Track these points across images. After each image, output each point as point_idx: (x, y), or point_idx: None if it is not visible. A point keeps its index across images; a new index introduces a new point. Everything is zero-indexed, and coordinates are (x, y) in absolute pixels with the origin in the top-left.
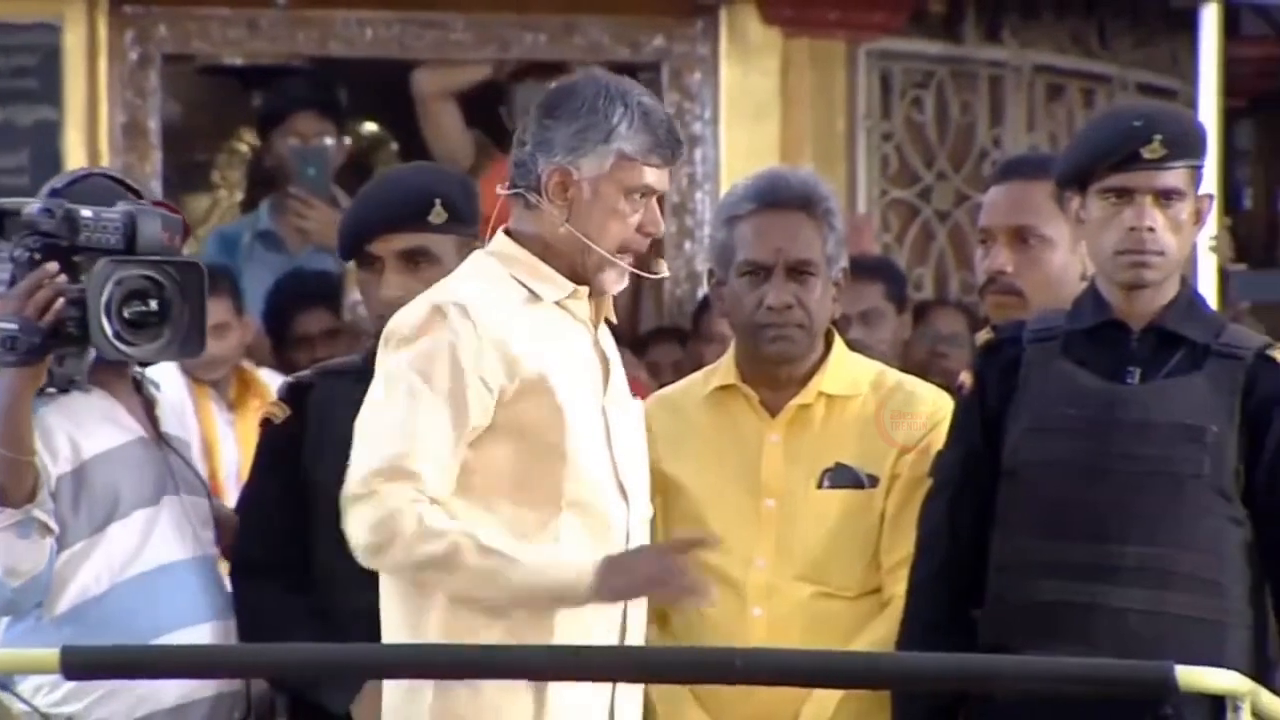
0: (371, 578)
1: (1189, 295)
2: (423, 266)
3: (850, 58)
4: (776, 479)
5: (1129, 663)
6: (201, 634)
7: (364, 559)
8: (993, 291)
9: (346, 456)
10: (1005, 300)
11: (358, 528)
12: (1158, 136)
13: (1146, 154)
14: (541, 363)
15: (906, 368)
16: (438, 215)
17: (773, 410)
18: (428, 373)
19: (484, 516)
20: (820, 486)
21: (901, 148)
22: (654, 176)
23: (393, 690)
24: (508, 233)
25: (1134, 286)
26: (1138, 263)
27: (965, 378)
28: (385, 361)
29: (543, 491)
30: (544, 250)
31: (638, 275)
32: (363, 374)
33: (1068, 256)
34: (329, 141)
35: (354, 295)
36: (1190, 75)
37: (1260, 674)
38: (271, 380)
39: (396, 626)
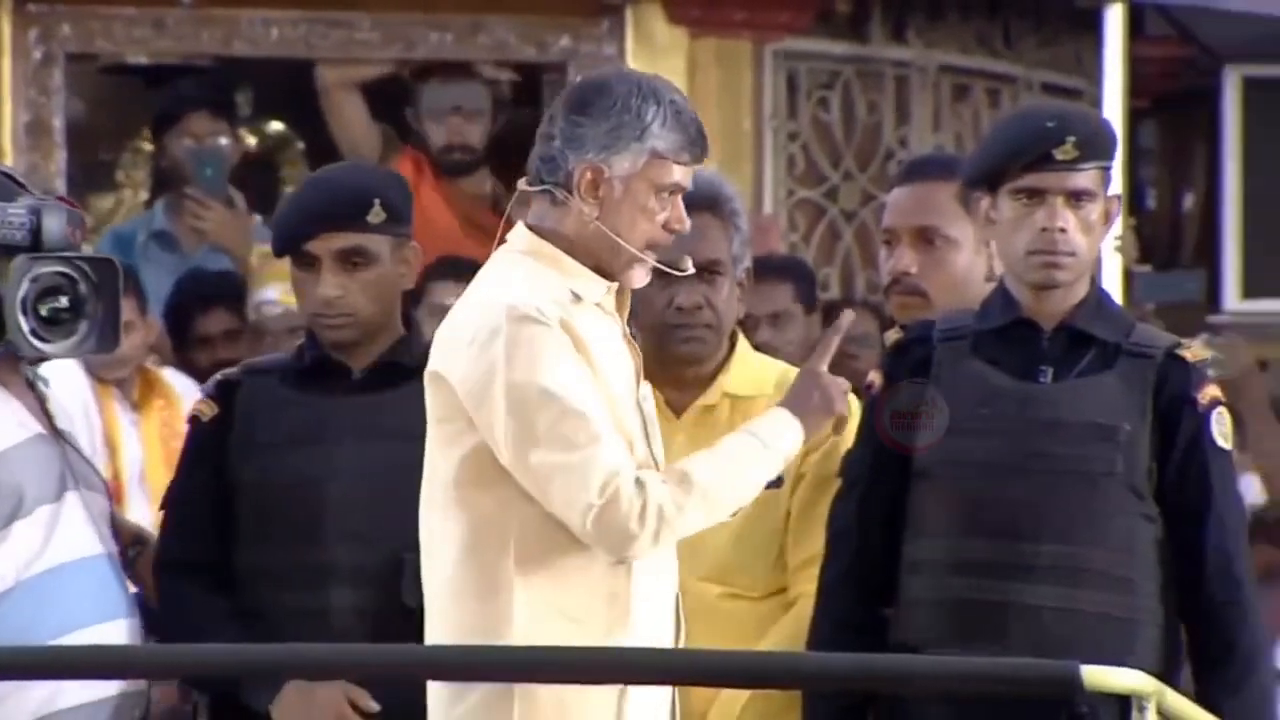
0: (301, 577)
1: (1098, 295)
2: (360, 266)
3: (756, 58)
4: None
5: (1035, 662)
6: (112, 630)
7: (645, 553)
8: (897, 292)
9: (272, 457)
10: (910, 301)
11: (618, 536)
12: (1071, 138)
13: (1059, 155)
14: (598, 363)
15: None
16: (376, 215)
17: (677, 410)
18: (549, 369)
19: None
20: None
21: (808, 148)
22: (682, 174)
23: (474, 699)
24: (531, 229)
25: (1045, 287)
26: (1049, 263)
27: (874, 377)
28: (495, 383)
29: None
30: (570, 247)
31: (664, 271)
32: (289, 373)
33: (972, 257)
34: (223, 141)
35: (258, 294)
36: (1095, 75)
37: (1170, 671)
38: (174, 380)
39: (469, 631)
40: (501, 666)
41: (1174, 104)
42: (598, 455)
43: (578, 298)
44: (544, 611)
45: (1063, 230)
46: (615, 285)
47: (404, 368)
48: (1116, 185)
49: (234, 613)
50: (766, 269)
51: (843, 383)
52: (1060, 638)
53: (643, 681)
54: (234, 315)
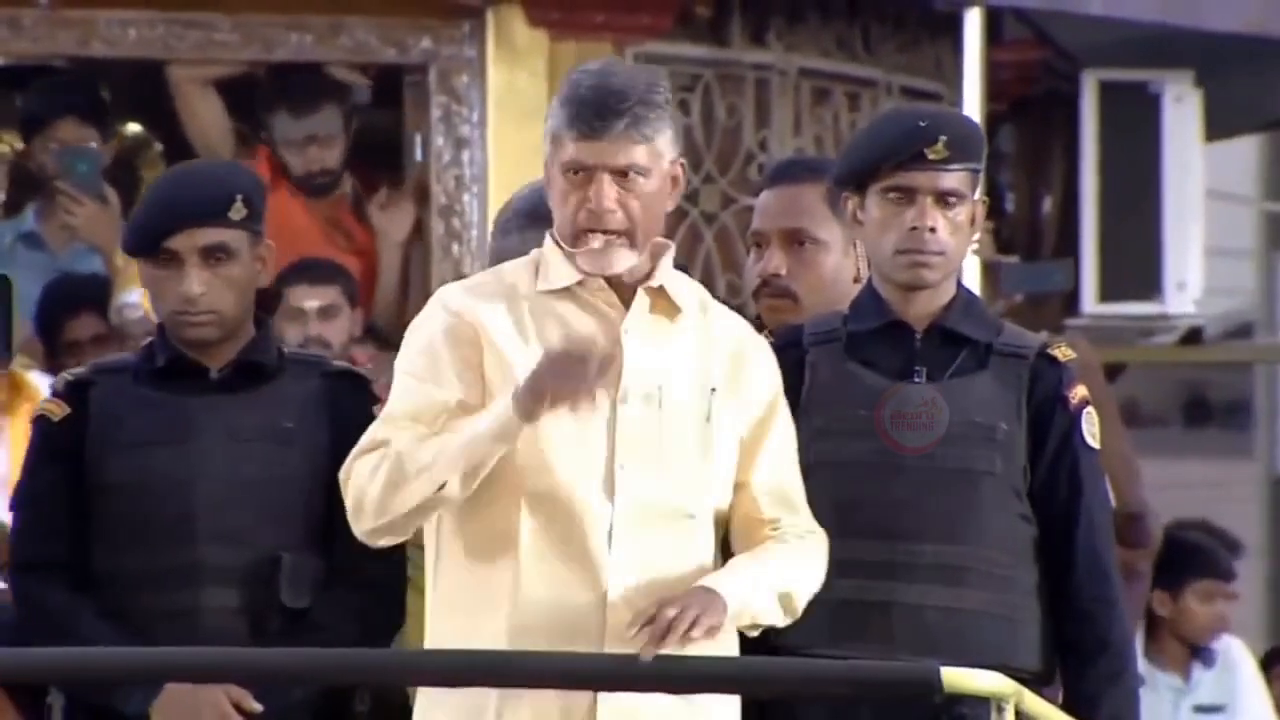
0: (169, 578)
1: (966, 296)
2: (223, 262)
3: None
4: None
5: (897, 664)
6: None
7: (363, 537)
8: (767, 294)
9: (136, 457)
10: (779, 304)
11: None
12: (943, 137)
13: (930, 154)
14: (518, 354)
15: None
16: (238, 211)
17: None
18: (407, 356)
19: None
20: None
21: None
22: (577, 150)
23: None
24: None
25: (914, 287)
26: (918, 263)
27: None
28: None
29: (502, 484)
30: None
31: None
32: (141, 372)
33: (841, 259)
34: (93, 145)
35: (121, 297)
36: (954, 79)
37: (1049, 669)
38: (41, 382)
39: (448, 641)
40: (375, 669)
41: (1032, 108)
42: (383, 422)
43: (549, 283)
44: (442, 604)
45: (932, 229)
46: (597, 279)
47: (262, 367)
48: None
49: (102, 613)
50: None
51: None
52: (943, 637)
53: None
54: (103, 319)
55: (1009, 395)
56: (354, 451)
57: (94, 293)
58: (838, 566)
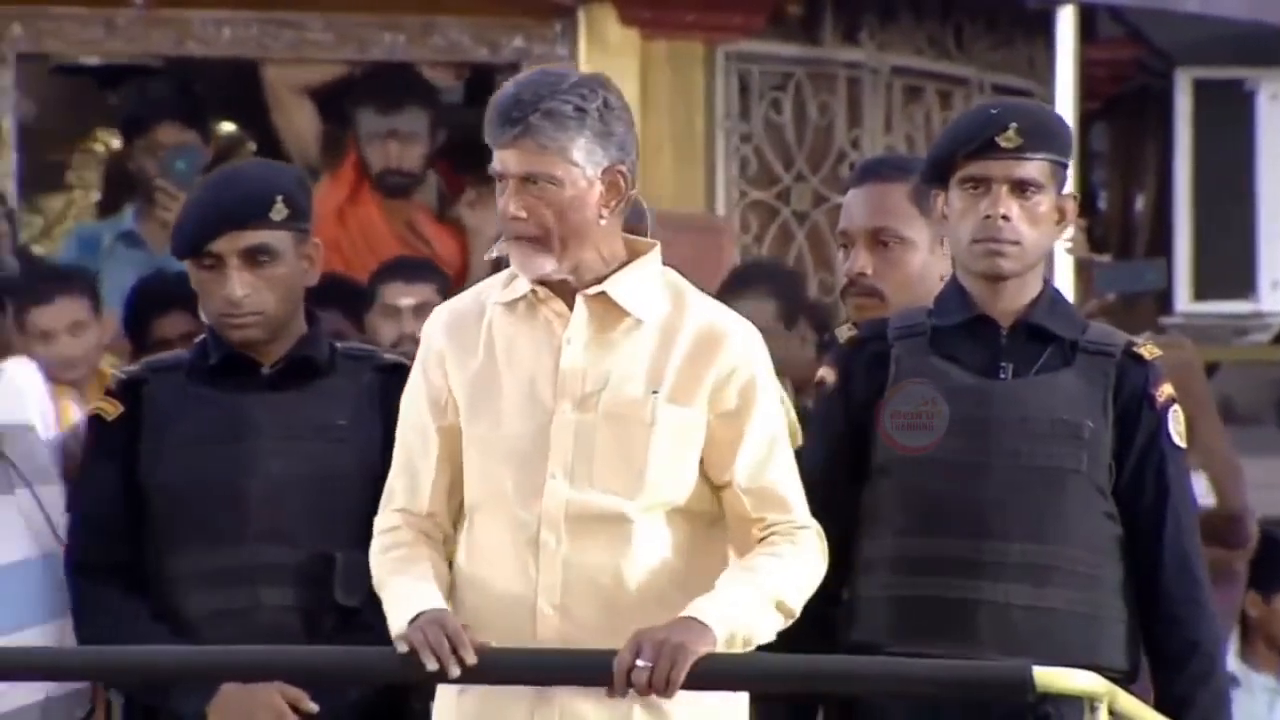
0: (225, 578)
1: (1052, 293)
2: (265, 264)
3: (709, 59)
4: None
5: (988, 664)
6: (26, 639)
7: None
8: (853, 294)
9: (189, 456)
10: (866, 303)
11: None
12: (1013, 125)
13: (1002, 142)
14: (462, 369)
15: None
16: (279, 212)
17: None
18: (405, 400)
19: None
20: None
21: (760, 149)
22: (497, 158)
23: None
24: None
25: (991, 276)
26: (992, 251)
27: (826, 374)
28: None
29: (467, 494)
30: None
31: None
32: (193, 370)
33: (927, 257)
34: (193, 146)
35: None
36: (1047, 78)
37: (1134, 667)
38: None
39: None
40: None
41: (1125, 106)
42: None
43: (506, 295)
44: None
45: (1005, 218)
46: (544, 288)
47: (314, 363)
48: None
49: (156, 614)
50: (748, 277)
51: None
52: (1029, 636)
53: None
54: (193, 317)
55: (1095, 393)
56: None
57: (184, 291)
58: (919, 563)
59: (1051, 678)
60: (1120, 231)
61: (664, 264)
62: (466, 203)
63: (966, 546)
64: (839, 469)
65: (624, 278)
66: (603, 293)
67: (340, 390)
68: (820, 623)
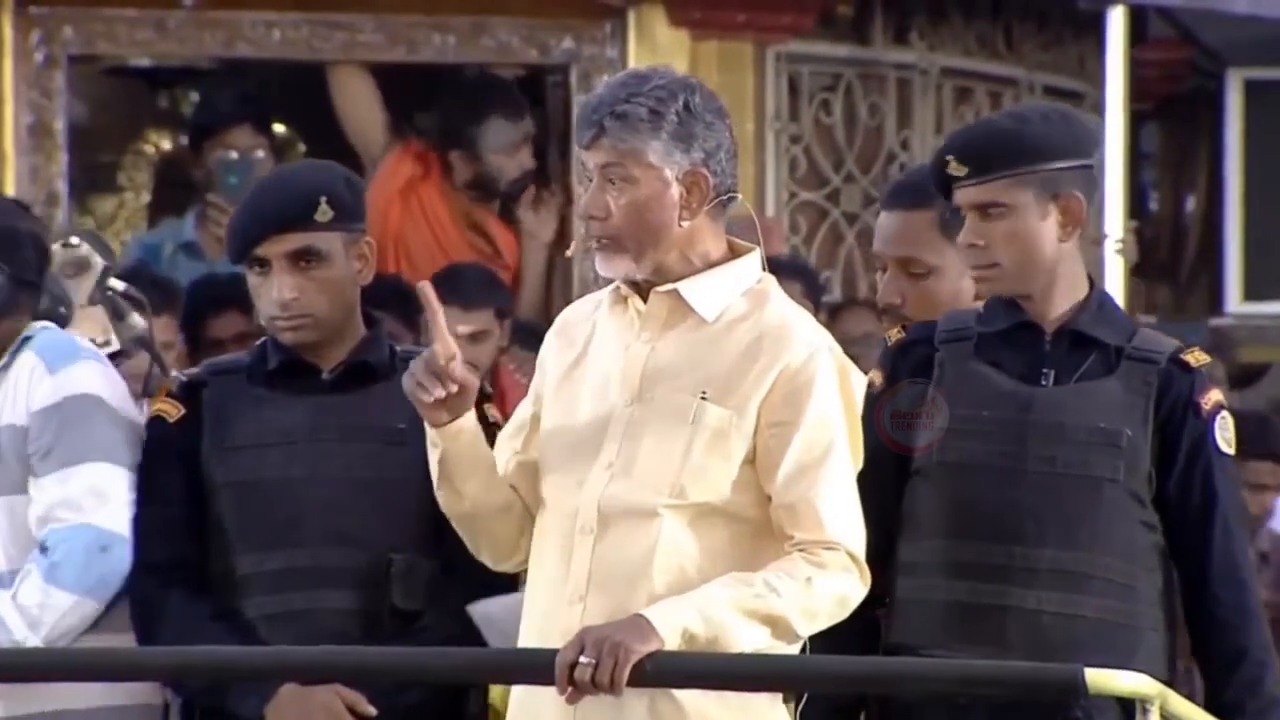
0: (284, 580)
1: (1099, 297)
2: (312, 265)
3: (758, 60)
4: None
5: (1038, 665)
6: None
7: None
8: (887, 320)
9: (249, 458)
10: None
11: None
12: (950, 156)
13: (951, 172)
14: (565, 360)
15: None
16: (323, 213)
17: None
18: None
19: None
20: None
21: (810, 150)
22: (582, 159)
23: None
24: None
25: (995, 295)
26: (977, 278)
27: (875, 377)
28: None
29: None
30: None
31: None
32: (253, 372)
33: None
34: (260, 155)
35: None
36: (1097, 78)
37: (1171, 677)
38: None
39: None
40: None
41: (1176, 107)
42: None
43: (614, 297)
44: None
45: (972, 245)
46: (630, 287)
47: (372, 367)
48: (1115, 188)
49: (220, 615)
50: (775, 268)
51: None
52: (1059, 642)
53: (654, 684)
54: (246, 318)
55: (1136, 401)
56: None
57: (238, 292)
58: (954, 568)
59: (1103, 679)
60: (1171, 232)
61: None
62: (527, 203)
63: (1000, 552)
64: (883, 471)
65: (703, 278)
66: (674, 290)
67: (400, 394)
68: (865, 624)
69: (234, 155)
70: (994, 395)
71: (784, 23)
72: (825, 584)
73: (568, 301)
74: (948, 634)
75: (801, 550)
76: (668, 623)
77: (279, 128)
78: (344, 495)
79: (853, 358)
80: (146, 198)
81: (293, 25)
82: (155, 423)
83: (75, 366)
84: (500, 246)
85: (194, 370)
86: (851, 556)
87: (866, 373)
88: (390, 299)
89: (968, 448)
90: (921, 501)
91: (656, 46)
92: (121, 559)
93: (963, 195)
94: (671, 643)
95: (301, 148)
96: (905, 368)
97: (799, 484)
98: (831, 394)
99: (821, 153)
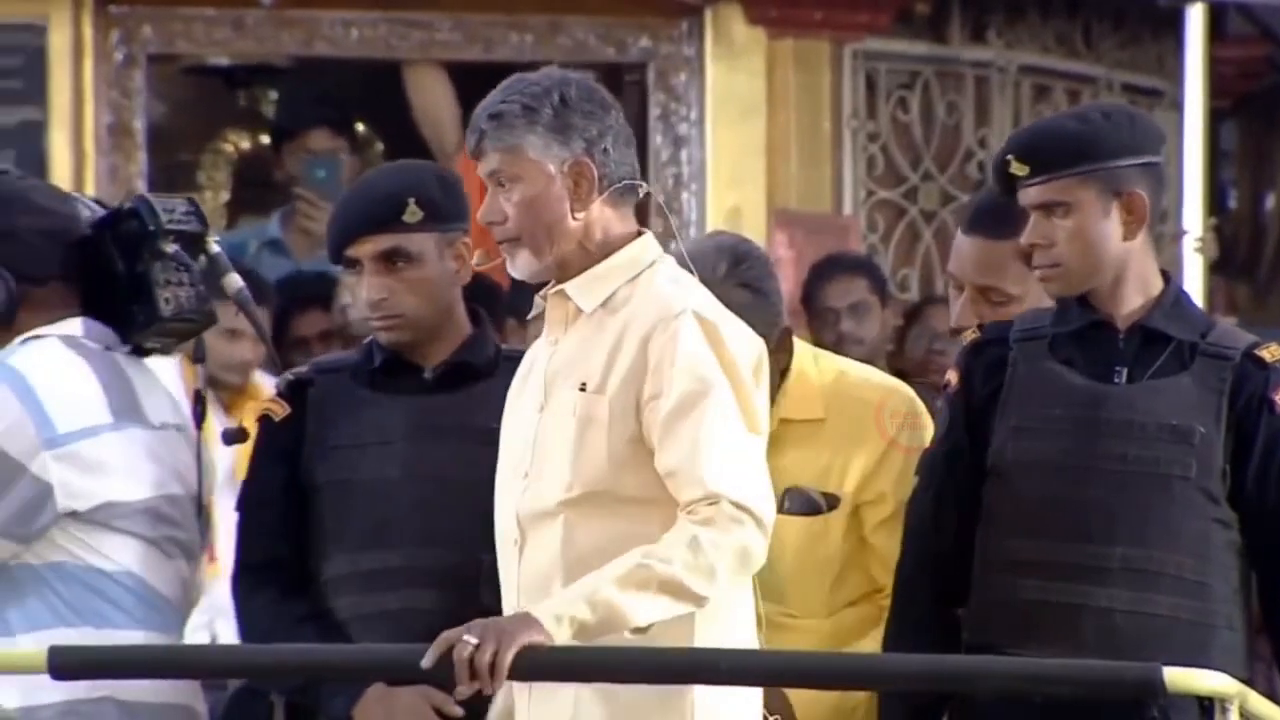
0: (378, 580)
1: (1174, 293)
2: (401, 267)
3: (835, 58)
4: None
5: (1116, 664)
6: None
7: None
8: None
9: (346, 457)
10: None
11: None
12: (1010, 156)
13: (1014, 173)
14: (513, 390)
15: (903, 366)
16: (412, 214)
17: None
18: None
19: None
20: (779, 510)
21: (887, 148)
22: (478, 168)
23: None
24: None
25: (1061, 295)
26: (1042, 277)
27: (951, 376)
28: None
29: None
30: None
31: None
32: (360, 371)
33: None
34: (342, 158)
35: (343, 298)
36: (1175, 76)
37: (1247, 675)
38: (264, 382)
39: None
40: (555, 669)
41: (1255, 104)
42: None
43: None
44: None
45: (1034, 245)
46: (549, 288)
47: (474, 367)
48: (1195, 186)
49: (310, 615)
50: (840, 265)
51: None
52: (1132, 640)
53: (728, 682)
54: (330, 316)
55: (1209, 398)
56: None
57: (322, 290)
58: (1027, 566)
59: (1182, 678)
60: (1250, 230)
61: (787, 262)
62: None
63: (1071, 550)
64: (960, 470)
65: (591, 271)
66: (562, 290)
67: (498, 394)
68: (946, 623)
69: (317, 155)
70: (1067, 393)
71: (861, 20)
72: (713, 539)
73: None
74: (1023, 633)
75: (688, 512)
76: (549, 614)
77: (357, 126)
78: (437, 496)
79: (938, 354)
80: (225, 196)
81: (370, 24)
82: (263, 421)
83: None
84: None
85: (302, 369)
86: (738, 505)
87: (944, 372)
88: (473, 295)
89: (1040, 446)
90: (997, 500)
91: (733, 45)
92: None
93: (1025, 195)
94: (559, 633)
95: (379, 146)
96: (980, 367)
97: (675, 449)
98: (695, 354)
99: (899, 151)
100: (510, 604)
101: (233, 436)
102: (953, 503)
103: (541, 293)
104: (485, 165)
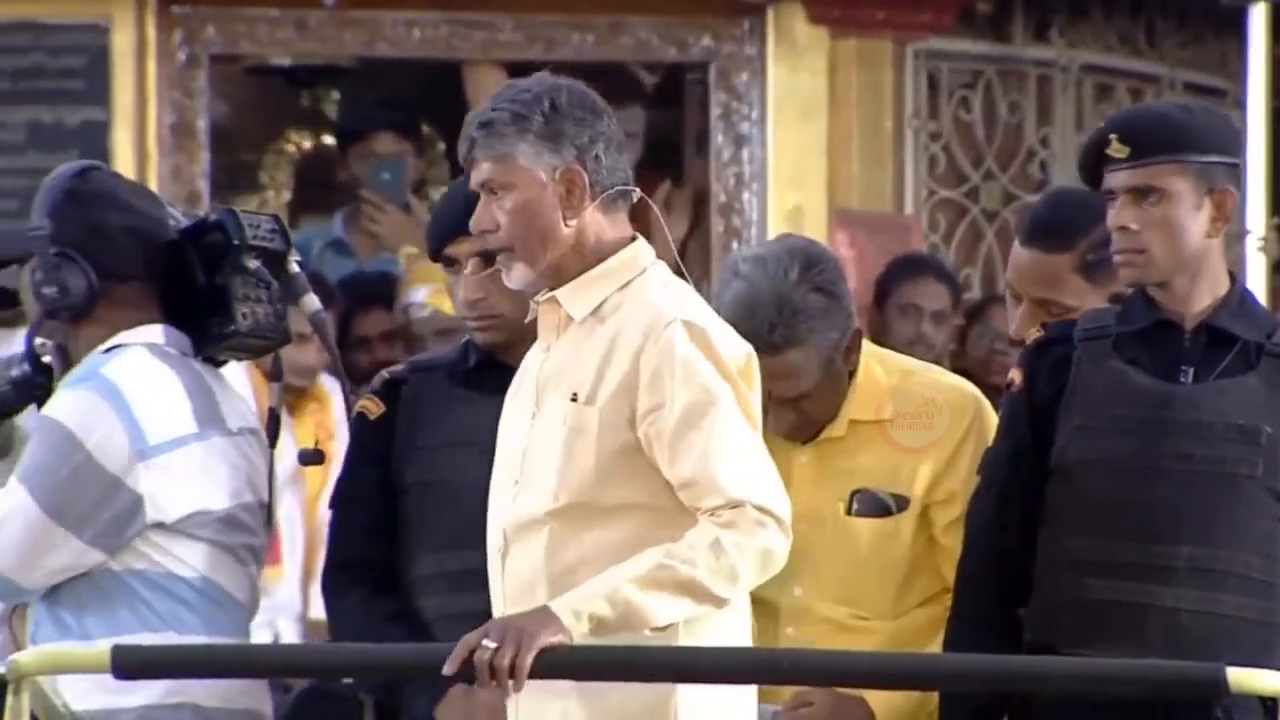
0: (466, 580)
1: (1240, 293)
2: (500, 267)
3: (898, 57)
4: (805, 502)
5: (1180, 664)
6: None
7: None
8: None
9: (433, 457)
10: None
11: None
12: (1113, 135)
13: (1111, 153)
14: (508, 396)
15: (965, 366)
16: None
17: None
18: None
19: None
20: (848, 512)
21: (949, 147)
22: (472, 178)
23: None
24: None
25: (1135, 284)
26: (1122, 262)
27: (1014, 375)
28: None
29: None
30: None
31: None
32: (456, 371)
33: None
34: (407, 160)
35: (407, 296)
36: (1238, 75)
37: None
38: (329, 383)
39: None
40: (624, 667)
41: None
42: None
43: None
44: None
45: (1123, 228)
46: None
47: None
48: (1257, 185)
49: (399, 614)
50: (929, 269)
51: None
52: (1197, 640)
53: (789, 681)
54: (392, 316)
55: (1276, 398)
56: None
57: (384, 290)
58: (1092, 566)
59: (1246, 678)
60: None
61: (848, 262)
62: (661, 200)
63: (1136, 550)
64: (1023, 469)
65: (582, 279)
66: (553, 297)
67: None
68: (1010, 623)
69: (382, 158)
70: (1132, 393)
71: (923, 20)
72: (736, 541)
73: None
74: (1087, 632)
75: (710, 515)
76: (569, 610)
77: (422, 127)
78: None
79: (1000, 354)
80: (287, 196)
81: (432, 24)
82: (358, 419)
83: (68, 391)
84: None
85: (398, 368)
86: (761, 509)
87: (1006, 372)
88: None
89: (1105, 445)
90: (1060, 500)
91: (795, 44)
92: None
93: (1117, 177)
94: (576, 629)
95: (441, 146)
96: (1044, 366)
97: (688, 459)
98: (693, 360)
99: (961, 150)
100: (498, 612)
101: (309, 458)
102: (1016, 502)
103: (535, 299)
104: (477, 174)
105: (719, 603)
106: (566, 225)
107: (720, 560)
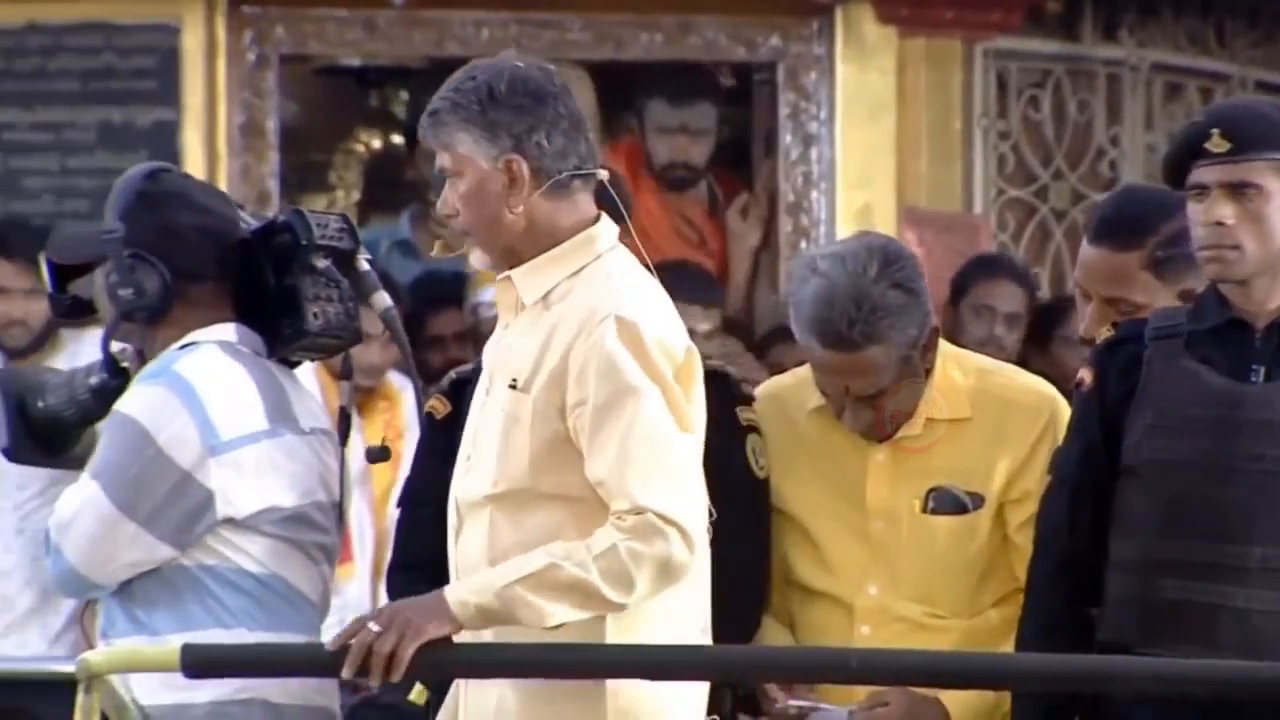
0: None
1: None
2: None
3: (966, 57)
4: (882, 500)
5: (1252, 664)
6: None
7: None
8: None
9: None
10: None
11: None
12: (1215, 130)
13: (1210, 147)
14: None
15: (1043, 367)
16: None
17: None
18: None
19: None
20: (925, 510)
21: (1018, 147)
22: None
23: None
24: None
25: (1221, 280)
26: (1212, 258)
27: (1085, 375)
28: None
29: None
30: None
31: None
32: None
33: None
34: None
35: (476, 296)
36: None
37: None
38: (399, 382)
39: None
40: (696, 666)
41: None
42: None
43: None
44: None
45: (1219, 223)
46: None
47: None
48: None
49: None
50: (1009, 271)
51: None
52: (1270, 641)
53: (857, 681)
54: (463, 316)
55: None
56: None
57: (458, 290)
58: (1164, 566)
59: None
60: None
61: (921, 263)
62: (738, 207)
63: (1209, 550)
64: (1094, 469)
65: (535, 262)
66: (508, 278)
67: None
68: (1082, 623)
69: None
70: (1203, 392)
71: (992, 19)
72: (633, 549)
73: (771, 300)
74: (1158, 633)
75: (616, 518)
76: (457, 599)
77: None
78: None
79: (1068, 355)
80: (357, 196)
81: (501, 24)
82: (427, 418)
83: (141, 387)
84: (706, 236)
85: (465, 368)
86: (663, 518)
87: (1078, 370)
88: None
89: (1176, 445)
90: (1131, 500)
91: (864, 44)
92: (55, 573)
93: (1212, 172)
94: (466, 619)
95: None
96: (1114, 366)
97: (601, 459)
98: (617, 358)
99: (1030, 149)
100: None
101: (376, 455)
102: (1087, 501)
103: (496, 278)
104: (437, 160)
105: (613, 607)
106: (512, 213)
107: (614, 565)
